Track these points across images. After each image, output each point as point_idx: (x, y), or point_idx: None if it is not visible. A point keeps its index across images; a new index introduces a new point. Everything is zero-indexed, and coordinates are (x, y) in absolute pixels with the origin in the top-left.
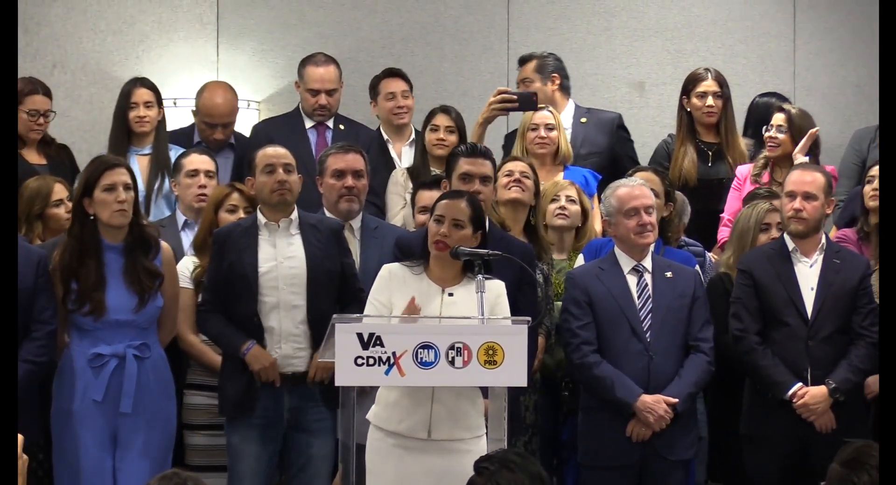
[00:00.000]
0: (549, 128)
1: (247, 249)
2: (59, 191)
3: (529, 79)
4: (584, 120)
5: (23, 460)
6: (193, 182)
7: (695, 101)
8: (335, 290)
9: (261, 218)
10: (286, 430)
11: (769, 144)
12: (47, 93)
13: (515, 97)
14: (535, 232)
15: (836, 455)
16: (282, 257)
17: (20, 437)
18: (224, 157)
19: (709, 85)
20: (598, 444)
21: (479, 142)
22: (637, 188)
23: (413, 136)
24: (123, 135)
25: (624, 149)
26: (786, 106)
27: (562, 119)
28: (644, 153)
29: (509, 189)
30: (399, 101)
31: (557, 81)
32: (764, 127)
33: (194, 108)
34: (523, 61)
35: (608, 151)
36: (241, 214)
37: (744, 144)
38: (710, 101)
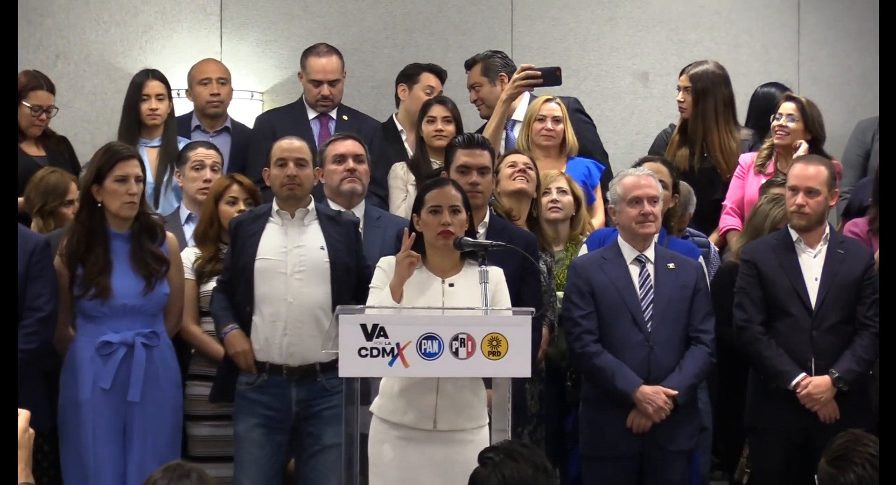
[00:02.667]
0: (557, 120)
1: (251, 238)
2: (74, 191)
3: (478, 83)
4: None
5: (29, 433)
6: (199, 176)
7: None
8: (350, 284)
9: (275, 206)
10: (296, 421)
11: (778, 131)
12: (51, 88)
13: (539, 73)
14: (537, 224)
15: (825, 449)
16: (292, 245)
17: (27, 412)
18: (221, 140)
19: (681, 80)
20: (599, 435)
21: (503, 119)
22: (643, 178)
23: None
24: (134, 126)
25: (583, 132)
26: (796, 95)
27: (518, 112)
28: (648, 143)
29: (514, 180)
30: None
31: (506, 80)
32: (772, 115)
33: (187, 88)
34: (469, 65)
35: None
36: (242, 206)
37: (742, 134)
38: (679, 96)
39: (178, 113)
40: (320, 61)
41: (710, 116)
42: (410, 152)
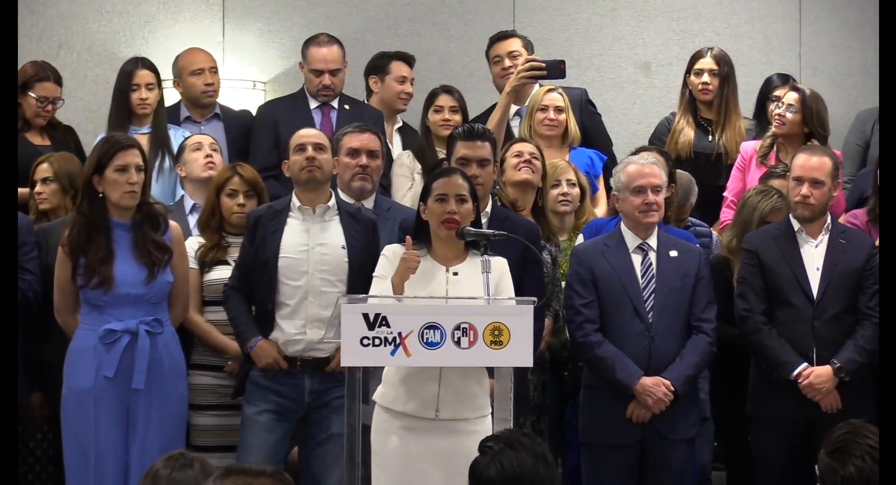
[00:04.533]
0: (559, 110)
1: (273, 234)
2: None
3: (517, 52)
4: None
5: None
6: (199, 155)
7: (692, 78)
8: (366, 282)
9: (295, 201)
10: (307, 411)
11: (776, 120)
12: (58, 80)
13: (544, 65)
14: (542, 213)
15: (824, 440)
16: (314, 242)
17: None
18: (212, 127)
19: (705, 63)
20: (599, 422)
21: (507, 111)
22: (647, 167)
23: (400, 122)
24: (124, 114)
25: (592, 123)
26: (800, 85)
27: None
28: (650, 133)
29: (519, 170)
30: (408, 87)
31: None
32: (773, 104)
33: (176, 79)
34: (504, 37)
35: (578, 127)
36: (241, 199)
37: (744, 123)
38: (705, 78)
39: (168, 102)
40: (321, 51)
41: (731, 99)
42: (390, 142)
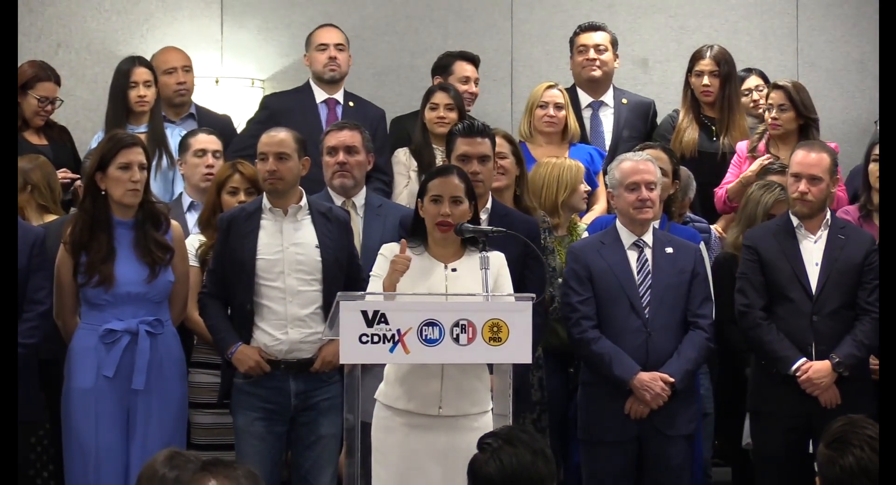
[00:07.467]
0: (559, 107)
1: (248, 236)
2: None
3: (604, 46)
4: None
5: None
6: (201, 162)
7: (693, 79)
8: (341, 280)
9: (266, 202)
10: (294, 413)
11: (771, 123)
12: (57, 80)
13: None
14: (520, 203)
15: (823, 433)
16: (288, 243)
17: None
18: (187, 127)
19: (705, 64)
20: (597, 419)
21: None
22: (641, 163)
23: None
24: (122, 113)
25: None
26: (781, 82)
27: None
28: None
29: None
30: (471, 87)
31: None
32: (765, 108)
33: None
34: (594, 28)
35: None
36: (242, 196)
37: (748, 121)
38: (705, 80)
39: None
40: (324, 30)
41: (734, 98)
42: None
